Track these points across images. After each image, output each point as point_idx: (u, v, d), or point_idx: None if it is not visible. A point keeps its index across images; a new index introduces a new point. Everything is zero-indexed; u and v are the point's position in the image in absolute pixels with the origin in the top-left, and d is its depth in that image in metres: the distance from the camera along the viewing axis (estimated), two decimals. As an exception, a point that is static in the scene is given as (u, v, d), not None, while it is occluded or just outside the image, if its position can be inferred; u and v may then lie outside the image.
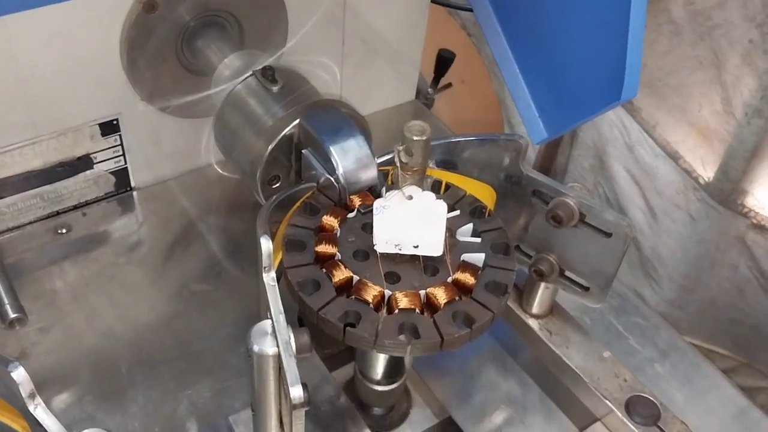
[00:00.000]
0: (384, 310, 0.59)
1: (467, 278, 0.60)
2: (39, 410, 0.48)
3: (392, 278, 0.60)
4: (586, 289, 0.68)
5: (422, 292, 0.59)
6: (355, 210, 0.65)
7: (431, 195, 0.60)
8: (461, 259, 0.62)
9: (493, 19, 0.91)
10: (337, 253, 0.62)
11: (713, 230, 1.40)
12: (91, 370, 0.76)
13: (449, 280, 0.60)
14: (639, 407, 0.66)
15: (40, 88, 0.80)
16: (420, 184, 0.60)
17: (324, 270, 0.60)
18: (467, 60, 1.59)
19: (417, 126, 0.58)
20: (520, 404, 0.76)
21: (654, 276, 1.54)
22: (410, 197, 0.60)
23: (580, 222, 0.64)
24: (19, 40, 0.76)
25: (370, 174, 0.67)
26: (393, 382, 0.71)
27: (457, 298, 0.59)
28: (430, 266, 0.61)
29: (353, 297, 0.59)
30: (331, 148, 0.68)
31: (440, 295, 0.59)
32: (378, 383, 0.71)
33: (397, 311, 0.58)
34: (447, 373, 0.78)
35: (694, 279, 1.47)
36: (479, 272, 0.60)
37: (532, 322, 0.74)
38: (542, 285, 0.71)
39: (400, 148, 0.58)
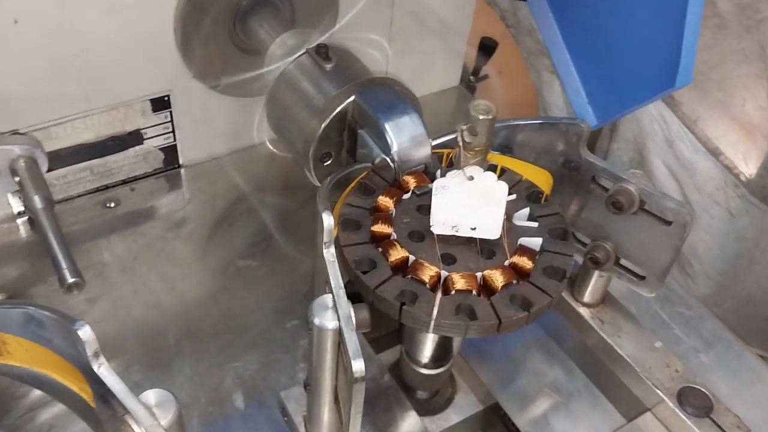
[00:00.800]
0: (440, 291, 0.58)
1: (525, 262, 0.59)
2: (103, 369, 0.49)
3: (448, 260, 0.60)
4: (642, 278, 0.67)
5: (479, 275, 0.59)
6: (410, 191, 0.65)
7: (492, 176, 0.60)
8: (518, 243, 0.61)
9: (545, 2, 0.90)
10: (393, 233, 0.61)
11: (753, 227, 1.38)
12: (138, 341, 0.77)
13: (506, 263, 0.60)
14: (691, 398, 0.65)
15: (95, 61, 0.81)
16: (482, 164, 0.60)
17: (380, 249, 0.60)
18: (505, 51, 1.58)
19: (482, 105, 0.57)
20: (567, 392, 0.75)
21: (689, 272, 1.53)
22: (471, 178, 0.59)
23: (640, 209, 0.63)
24: (76, 11, 0.77)
25: (424, 152, 0.67)
26: (440, 366, 0.71)
27: (514, 281, 0.59)
28: (486, 249, 0.61)
29: (409, 277, 0.59)
30: (386, 125, 0.67)
31: (497, 278, 0.58)
32: (425, 366, 0.71)
33: (453, 292, 0.58)
34: (493, 360, 0.78)
35: (731, 276, 1.46)
36: (536, 257, 0.60)
37: (584, 311, 0.73)
38: (596, 273, 0.70)
39: (464, 127, 0.57)
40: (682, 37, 0.68)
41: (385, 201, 0.64)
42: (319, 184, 0.76)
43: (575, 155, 0.66)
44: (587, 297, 0.73)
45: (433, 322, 0.56)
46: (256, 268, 0.85)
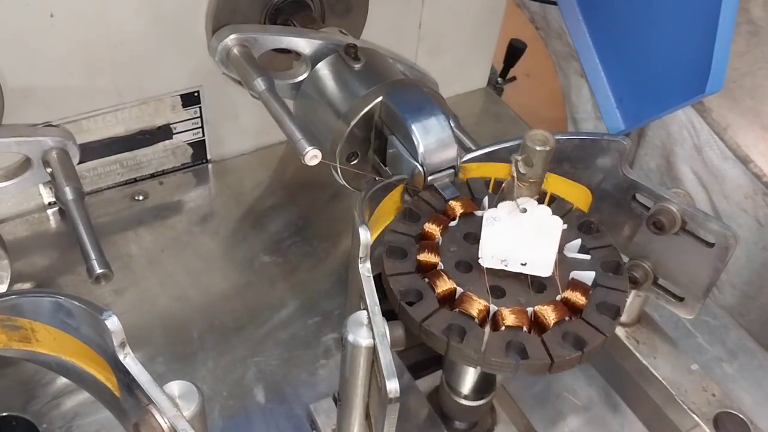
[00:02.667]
0: (488, 326, 0.55)
1: (578, 298, 0.56)
2: (128, 359, 0.49)
3: (497, 292, 0.56)
4: (681, 299, 0.66)
5: (529, 310, 0.56)
6: (457, 218, 0.62)
7: (546, 209, 0.57)
8: (570, 276, 0.58)
9: (575, 6, 0.89)
10: (440, 263, 0.58)
11: (782, 237, 1.36)
12: (162, 333, 0.77)
13: (558, 298, 0.57)
14: (728, 424, 0.63)
15: (128, 55, 0.81)
16: (535, 195, 0.57)
17: (426, 280, 0.57)
18: (533, 54, 1.56)
19: (539, 135, 0.54)
20: (600, 417, 0.73)
21: (715, 281, 1.51)
22: (524, 210, 0.56)
23: (682, 230, 0.62)
24: (110, 6, 0.77)
25: (449, 154, 0.67)
26: (482, 398, 0.68)
27: (566, 318, 0.55)
28: (536, 282, 0.57)
29: (457, 310, 0.55)
30: (413, 127, 0.67)
31: (549, 314, 0.55)
32: (466, 397, 0.68)
33: (503, 328, 0.54)
34: (535, 392, 0.75)
35: (758, 286, 1.44)
36: (589, 292, 0.57)
37: (619, 330, 0.71)
38: (633, 292, 0.69)
39: (519, 157, 0.55)
40: (714, 43, 0.67)
41: (432, 228, 0.60)
42: (345, 183, 0.77)
43: (616, 173, 0.64)
44: (623, 316, 0.71)
45: (482, 360, 0.53)
46: (280, 264, 0.85)
